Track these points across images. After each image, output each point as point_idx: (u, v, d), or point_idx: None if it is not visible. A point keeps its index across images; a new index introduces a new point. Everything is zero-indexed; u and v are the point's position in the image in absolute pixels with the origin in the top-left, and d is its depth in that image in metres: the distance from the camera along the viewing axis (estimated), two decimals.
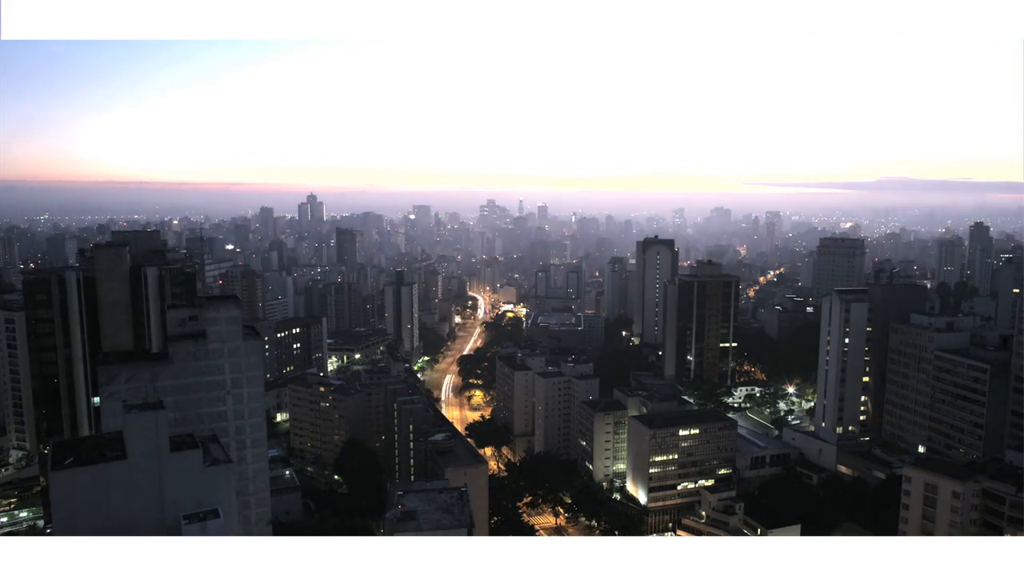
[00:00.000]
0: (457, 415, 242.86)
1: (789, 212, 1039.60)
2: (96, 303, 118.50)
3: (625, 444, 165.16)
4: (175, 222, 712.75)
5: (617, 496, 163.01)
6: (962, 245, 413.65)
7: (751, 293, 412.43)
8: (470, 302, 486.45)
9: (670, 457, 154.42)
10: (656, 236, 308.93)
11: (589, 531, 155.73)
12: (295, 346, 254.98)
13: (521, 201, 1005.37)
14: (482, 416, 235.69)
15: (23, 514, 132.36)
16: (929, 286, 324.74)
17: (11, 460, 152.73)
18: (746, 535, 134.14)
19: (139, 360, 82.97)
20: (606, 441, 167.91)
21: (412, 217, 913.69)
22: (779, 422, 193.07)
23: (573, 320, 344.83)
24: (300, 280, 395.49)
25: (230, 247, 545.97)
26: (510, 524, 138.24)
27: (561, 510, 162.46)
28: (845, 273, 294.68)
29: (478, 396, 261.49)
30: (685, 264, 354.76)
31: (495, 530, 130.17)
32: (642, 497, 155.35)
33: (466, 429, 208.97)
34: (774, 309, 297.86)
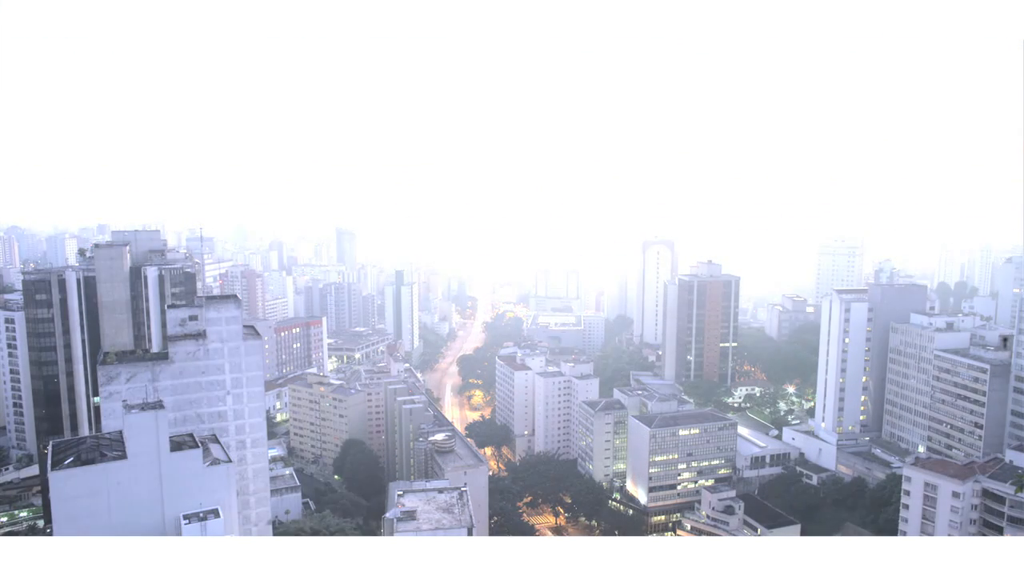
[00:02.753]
0: (457, 415, 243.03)
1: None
2: (96, 303, 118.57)
3: (625, 444, 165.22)
4: (175, 222, 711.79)
5: (617, 496, 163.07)
6: (962, 245, 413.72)
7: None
8: (470, 302, 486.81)
9: (670, 457, 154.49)
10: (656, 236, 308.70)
11: (589, 531, 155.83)
12: (295, 346, 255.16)
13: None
14: (482, 416, 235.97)
15: (23, 514, 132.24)
16: (929, 286, 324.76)
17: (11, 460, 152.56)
18: (746, 535, 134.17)
19: (139, 360, 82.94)
20: (606, 441, 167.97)
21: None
22: (779, 422, 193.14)
23: (573, 320, 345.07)
24: (300, 280, 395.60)
25: (230, 247, 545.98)
26: (510, 524, 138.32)
27: (561, 510, 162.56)
28: (845, 273, 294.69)
29: (478, 396, 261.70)
30: (685, 264, 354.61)
31: (495, 530, 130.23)
32: (642, 497, 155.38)
33: (466, 429, 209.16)
34: (774, 309, 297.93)
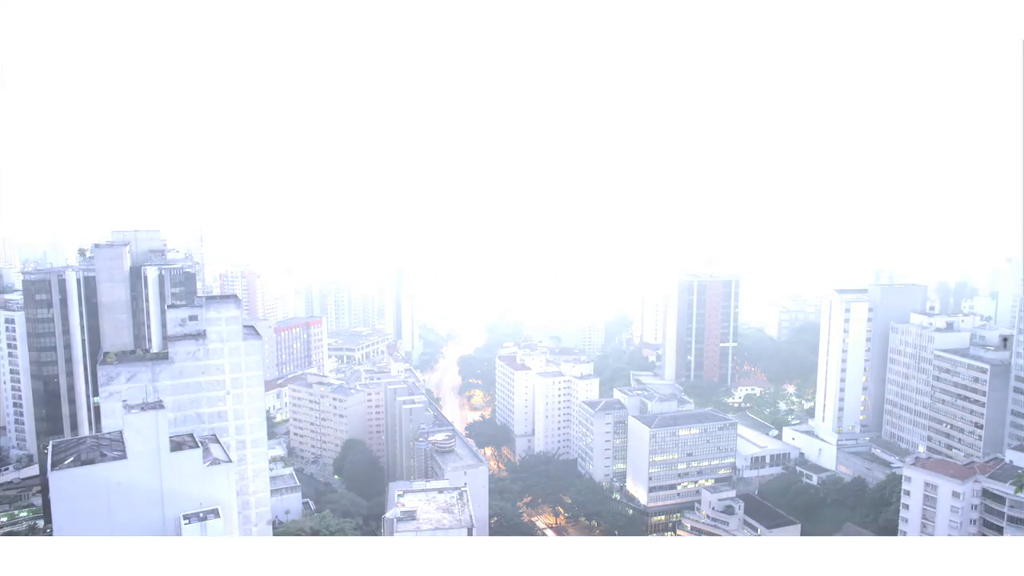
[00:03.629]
0: (457, 415, 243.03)
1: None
2: (96, 303, 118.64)
3: (625, 444, 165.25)
4: (175, 222, 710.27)
5: (617, 496, 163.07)
6: (962, 245, 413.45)
7: None
8: (471, 302, 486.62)
9: (670, 457, 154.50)
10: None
11: (589, 531, 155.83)
12: (295, 346, 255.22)
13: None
14: (482, 416, 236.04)
15: (23, 514, 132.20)
16: (929, 286, 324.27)
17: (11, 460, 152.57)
18: (746, 535, 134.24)
19: (139, 360, 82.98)
20: (606, 441, 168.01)
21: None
22: (779, 422, 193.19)
23: (573, 320, 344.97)
24: (300, 280, 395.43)
25: (230, 247, 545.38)
26: (510, 524, 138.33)
27: (561, 510, 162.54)
28: (845, 273, 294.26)
29: (478, 396, 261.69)
30: (685, 264, 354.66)
31: (495, 530, 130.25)
32: (642, 497, 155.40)
33: (466, 429, 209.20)
34: (774, 309, 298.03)
